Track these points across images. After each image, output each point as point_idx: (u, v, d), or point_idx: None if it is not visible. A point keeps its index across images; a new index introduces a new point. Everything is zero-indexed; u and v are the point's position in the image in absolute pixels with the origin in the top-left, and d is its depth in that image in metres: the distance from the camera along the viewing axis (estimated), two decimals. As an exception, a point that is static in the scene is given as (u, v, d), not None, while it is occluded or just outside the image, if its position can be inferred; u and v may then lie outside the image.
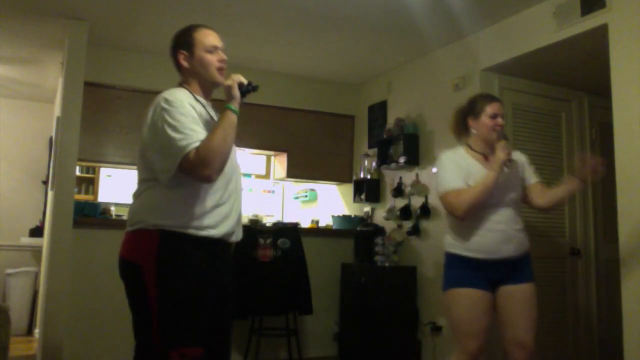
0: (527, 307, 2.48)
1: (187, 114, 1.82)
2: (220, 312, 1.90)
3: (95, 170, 6.10)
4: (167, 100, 1.86)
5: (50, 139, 5.60)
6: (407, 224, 4.33)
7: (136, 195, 1.95)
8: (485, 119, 2.54)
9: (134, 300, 1.86)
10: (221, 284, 1.91)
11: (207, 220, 1.84)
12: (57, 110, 4.89)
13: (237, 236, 1.97)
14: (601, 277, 4.05)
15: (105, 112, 4.41)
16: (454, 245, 2.54)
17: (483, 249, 2.45)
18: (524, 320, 2.47)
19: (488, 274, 2.46)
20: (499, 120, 2.54)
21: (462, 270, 2.49)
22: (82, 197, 5.89)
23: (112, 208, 4.70)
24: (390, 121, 4.64)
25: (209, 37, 1.98)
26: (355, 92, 5.29)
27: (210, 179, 1.79)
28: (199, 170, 1.75)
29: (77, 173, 4.61)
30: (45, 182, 5.69)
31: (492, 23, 3.73)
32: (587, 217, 4.09)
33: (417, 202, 4.25)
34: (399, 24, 3.78)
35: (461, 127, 2.66)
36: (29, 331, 5.41)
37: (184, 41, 1.99)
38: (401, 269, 4.22)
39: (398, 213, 4.38)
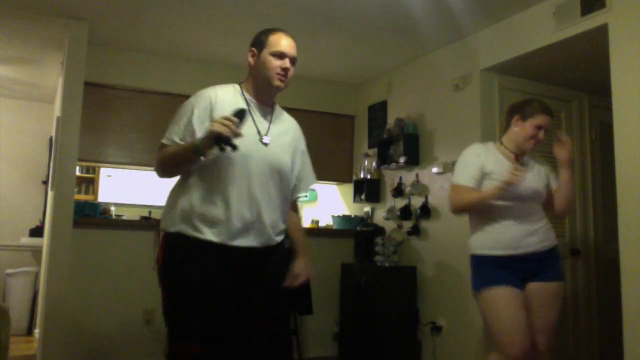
0: (552, 308, 2.49)
1: (184, 112, 1.97)
2: (228, 310, 1.89)
3: (95, 170, 6.10)
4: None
5: (50, 139, 5.60)
6: (407, 224, 4.33)
7: None
8: (529, 125, 2.50)
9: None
10: (229, 284, 1.89)
11: (198, 222, 1.87)
12: (57, 110, 4.89)
13: (246, 242, 1.91)
14: (601, 277, 4.05)
15: (105, 112, 4.41)
16: (478, 247, 2.53)
17: (506, 245, 2.45)
18: (545, 321, 2.47)
19: (516, 271, 2.45)
20: (542, 133, 2.50)
21: (490, 270, 2.46)
22: (82, 197, 5.88)
23: (112, 208, 4.70)
24: (390, 121, 4.64)
25: (280, 43, 1.98)
26: (355, 92, 5.29)
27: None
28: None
29: (77, 173, 4.61)
30: (45, 182, 5.69)
31: (492, 23, 3.72)
32: (587, 217, 4.09)
33: (417, 202, 4.25)
34: (399, 24, 3.78)
35: (506, 121, 2.64)
36: (29, 331, 5.41)
37: (258, 40, 2.02)
38: (401, 269, 4.22)
39: (398, 213, 4.38)
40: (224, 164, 1.87)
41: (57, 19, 3.87)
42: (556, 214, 2.64)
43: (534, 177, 2.55)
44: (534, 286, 2.48)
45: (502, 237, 2.46)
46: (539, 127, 2.49)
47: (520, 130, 2.53)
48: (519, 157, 2.58)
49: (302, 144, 2.18)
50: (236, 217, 1.87)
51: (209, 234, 1.85)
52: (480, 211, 2.53)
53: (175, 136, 1.93)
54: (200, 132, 1.87)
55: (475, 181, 2.49)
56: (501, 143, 2.62)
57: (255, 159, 1.92)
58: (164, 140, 1.95)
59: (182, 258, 1.87)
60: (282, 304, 2.06)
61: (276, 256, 2.01)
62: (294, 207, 2.20)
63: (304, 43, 4.37)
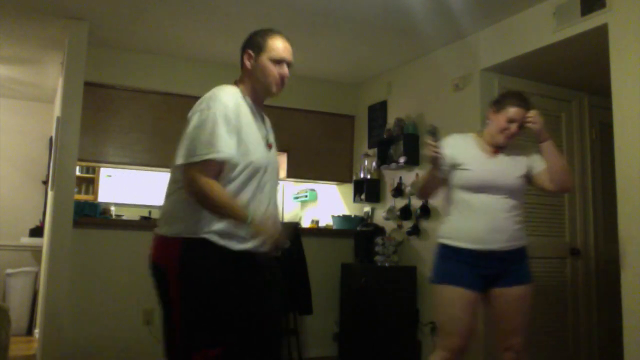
0: (519, 312, 2.45)
1: (219, 121, 1.81)
2: (248, 310, 1.89)
3: (95, 170, 6.10)
4: (209, 98, 1.86)
5: (50, 139, 5.60)
6: (407, 224, 4.33)
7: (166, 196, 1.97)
8: (501, 118, 2.48)
9: (161, 301, 1.90)
10: (248, 285, 1.89)
11: (229, 231, 1.84)
12: (57, 110, 4.89)
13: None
14: (601, 277, 4.05)
15: (105, 112, 4.41)
16: (443, 236, 2.54)
17: (469, 238, 2.43)
18: (514, 324, 2.44)
19: (481, 269, 2.43)
20: (513, 126, 2.46)
21: (453, 265, 2.47)
22: (82, 197, 5.88)
23: (112, 208, 4.72)
24: (390, 121, 4.64)
25: (279, 48, 1.94)
26: (355, 92, 5.29)
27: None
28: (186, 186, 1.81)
29: (77, 173, 4.61)
30: (45, 182, 5.69)
31: (492, 23, 3.72)
32: (587, 217, 4.09)
33: (417, 202, 4.25)
34: (399, 24, 3.78)
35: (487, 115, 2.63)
36: (29, 331, 5.41)
37: (255, 42, 1.97)
38: (401, 269, 4.22)
39: (398, 213, 4.38)
40: (248, 172, 1.86)
41: (57, 19, 3.87)
42: (559, 189, 2.53)
43: (506, 170, 2.49)
44: (498, 292, 2.46)
45: (465, 229, 2.45)
46: (510, 121, 2.46)
47: (494, 122, 2.52)
48: (497, 150, 2.54)
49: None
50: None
51: (240, 244, 1.84)
52: (450, 201, 2.55)
53: (227, 148, 1.79)
54: (235, 142, 1.82)
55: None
56: (481, 135, 2.61)
57: (269, 165, 1.94)
58: (213, 156, 1.77)
59: (211, 265, 1.83)
60: (281, 301, 2.10)
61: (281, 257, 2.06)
62: None
63: (304, 43, 4.41)
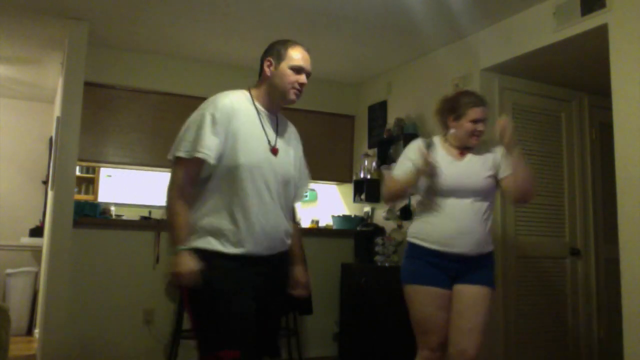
0: (472, 311, 2.41)
1: (203, 121, 1.91)
2: (253, 314, 1.91)
3: (95, 170, 6.10)
4: (207, 101, 1.97)
5: (50, 139, 5.60)
6: (407, 224, 4.32)
7: None
8: (465, 122, 2.48)
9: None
10: (254, 288, 1.91)
11: (218, 236, 1.90)
12: (57, 110, 4.89)
13: (266, 251, 1.95)
14: (601, 277, 4.05)
15: (105, 112, 4.41)
16: (414, 235, 2.54)
17: (436, 240, 2.43)
18: (468, 324, 2.40)
19: (447, 269, 2.43)
20: (480, 126, 2.47)
21: (420, 264, 2.47)
22: (82, 197, 5.88)
23: (112, 208, 4.71)
24: (390, 121, 4.64)
25: (298, 57, 2.00)
26: (355, 92, 5.29)
27: None
28: None
29: (77, 173, 4.61)
30: (45, 182, 5.69)
31: (492, 23, 3.72)
32: (587, 217, 4.09)
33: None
34: (399, 24, 3.78)
35: (442, 123, 2.62)
36: (29, 331, 5.41)
37: (276, 50, 2.02)
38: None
39: (398, 213, 4.38)
40: (239, 177, 1.88)
41: (57, 19, 3.87)
42: (520, 198, 2.52)
43: (474, 172, 2.47)
44: (459, 288, 2.45)
45: (433, 231, 2.45)
46: (476, 121, 2.46)
47: (459, 129, 2.50)
48: (463, 151, 2.54)
49: (301, 150, 2.21)
50: (255, 230, 1.89)
51: (221, 247, 1.87)
52: (420, 202, 2.57)
53: (201, 148, 1.85)
54: (220, 143, 1.87)
55: (407, 175, 2.49)
56: (446, 139, 2.60)
57: (267, 169, 1.94)
58: (182, 154, 1.88)
59: (212, 270, 1.85)
60: (284, 305, 2.15)
61: (285, 261, 2.08)
62: (294, 217, 2.21)
63: (304, 43, 4.38)
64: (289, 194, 2.06)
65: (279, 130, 2.06)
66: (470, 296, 2.42)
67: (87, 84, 4.04)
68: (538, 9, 3.41)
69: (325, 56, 4.54)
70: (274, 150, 1.99)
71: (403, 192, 2.56)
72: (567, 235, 4.01)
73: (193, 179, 1.91)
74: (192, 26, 4.00)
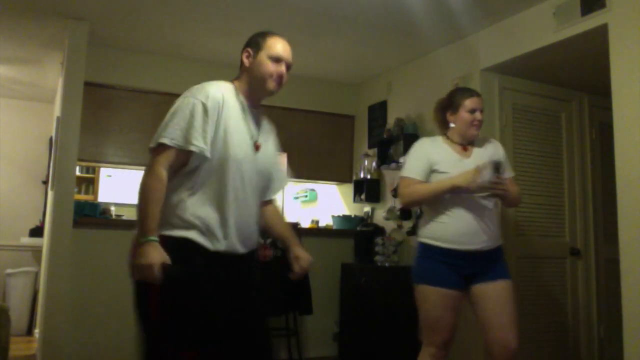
0: (505, 306, 2.44)
1: (195, 111, 1.84)
2: (225, 313, 1.86)
3: (95, 170, 6.11)
4: (195, 89, 1.91)
5: (50, 139, 5.60)
6: (407, 224, 4.33)
7: None
8: (463, 113, 2.54)
9: (136, 304, 1.85)
10: (222, 289, 1.86)
11: (196, 229, 1.83)
12: (57, 110, 4.89)
13: (239, 248, 1.90)
14: (601, 277, 4.06)
15: (105, 112, 4.41)
16: (424, 235, 2.54)
17: (453, 238, 2.44)
18: (503, 318, 2.42)
19: (461, 268, 2.44)
20: (478, 115, 2.53)
21: (433, 264, 2.47)
22: (82, 197, 5.89)
23: (112, 208, 4.70)
24: (390, 121, 4.64)
25: (278, 47, 1.96)
26: (355, 92, 5.29)
27: None
28: None
29: (77, 173, 4.61)
30: (45, 182, 5.69)
31: (492, 23, 3.72)
32: (587, 217, 4.09)
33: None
34: (399, 24, 3.78)
35: (441, 121, 2.67)
36: (29, 331, 5.41)
37: (254, 41, 2.00)
38: (401, 269, 4.21)
39: (398, 213, 4.38)
40: (219, 171, 1.85)
41: (57, 19, 3.87)
42: (506, 206, 2.74)
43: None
44: (481, 287, 2.46)
45: (446, 230, 2.46)
46: (472, 111, 2.53)
47: (458, 122, 2.56)
48: (467, 147, 2.58)
49: (277, 146, 2.16)
50: (231, 225, 1.86)
51: (204, 241, 1.82)
52: (431, 202, 2.56)
53: (196, 140, 1.80)
54: (211, 135, 1.83)
55: (425, 174, 2.52)
56: (447, 137, 2.63)
57: (248, 164, 1.91)
58: (168, 142, 1.82)
59: (190, 265, 1.80)
60: (265, 306, 2.07)
61: (256, 259, 2.04)
62: (268, 204, 2.15)
63: (304, 43, 4.41)
64: (266, 190, 2.05)
65: (260, 125, 2.03)
66: (496, 292, 2.45)
67: (87, 84, 4.04)
68: (538, 9, 3.41)
69: (325, 56, 4.54)
70: (257, 146, 1.95)
71: (434, 200, 2.51)
72: (567, 235, 4.01)
73: (175, 169, 1.85)
74: (192, 26, 4.00)
